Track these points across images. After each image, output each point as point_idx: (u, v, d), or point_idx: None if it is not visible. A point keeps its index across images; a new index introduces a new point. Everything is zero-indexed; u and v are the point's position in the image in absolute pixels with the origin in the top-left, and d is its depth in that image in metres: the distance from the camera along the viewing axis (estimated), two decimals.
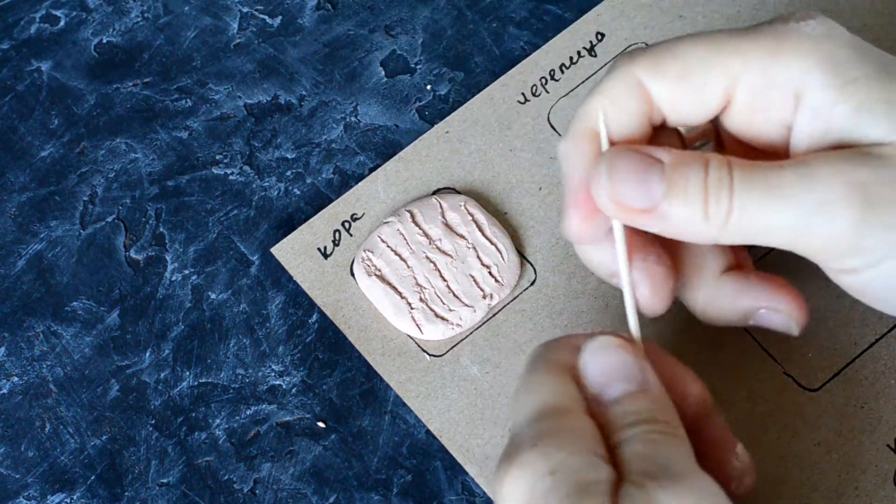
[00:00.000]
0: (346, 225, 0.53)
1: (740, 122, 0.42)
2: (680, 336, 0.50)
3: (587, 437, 0.38)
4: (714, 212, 0.39)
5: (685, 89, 0.41)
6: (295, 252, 0.53)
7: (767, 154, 0.42)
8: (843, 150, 0.39)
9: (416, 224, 0.52)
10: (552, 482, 0.36)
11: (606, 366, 0.40)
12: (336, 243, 0.53)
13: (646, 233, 0.42)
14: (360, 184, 0.54)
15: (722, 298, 0.44)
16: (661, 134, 0.43)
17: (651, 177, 0.39)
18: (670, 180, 0.39)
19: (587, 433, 0.38)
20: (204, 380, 0.51)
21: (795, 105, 0.41)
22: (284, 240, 0.53)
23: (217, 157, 0.56)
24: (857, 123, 0.39)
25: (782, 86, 0.40)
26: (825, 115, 0.40)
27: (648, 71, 0.41)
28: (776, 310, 0.44)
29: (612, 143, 0.41)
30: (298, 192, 0.55)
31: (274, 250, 0.53)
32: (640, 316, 0.42)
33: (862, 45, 0.40)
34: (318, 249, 0.53)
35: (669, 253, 0.44)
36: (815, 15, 0.41)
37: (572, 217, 0.42)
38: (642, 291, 0.43)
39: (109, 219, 0.55)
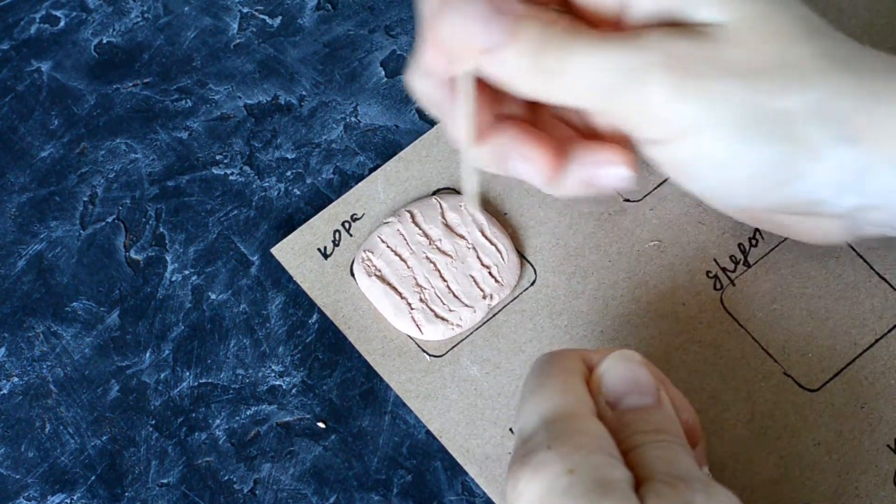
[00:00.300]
0: (346, 225, 0.53)
1: None
2: (680, 337, 0.50)
3: (602, 439, 0.38)
4: (545, 65, 0.41)
5: None
6: (295, 252, 0.53)
7: (608, 28, 0.43)
8: (667, 26, 0.41)
9: (416, 224, 0.52)
10: (571, 480, 0.36)
11: (628, 376, 0.40)
12: (336, 243, 0.53)
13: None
14: (360, 184, 0.54)
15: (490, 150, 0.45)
16: None
17: (495, 21, 0.41)
18: (514, 28, 0.41)
19: (601, 436, 0.38)
20: (204, 380, 0.51)
21: None
22: (284, 240, 0.53)
23: (217, 157, 0.56)
24: (685, 3, 0.41)
25: None
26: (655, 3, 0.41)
27: None
28: (524, 157, 0.44)
29: None
30: (298, 193, 0.55)
31: (274, 250, 0.53)
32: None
33: None
34: (318, 250, 0.53)
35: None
36: None
37: (427, 53, 0.43)
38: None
39: (109, 219, 0.55)
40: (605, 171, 0.44)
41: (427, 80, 0.44)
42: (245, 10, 0.59)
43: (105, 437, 0.50)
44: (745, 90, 0.40)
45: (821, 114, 0.41)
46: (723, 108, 0.40)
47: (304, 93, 0.57)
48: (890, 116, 0.41)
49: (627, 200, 0.53)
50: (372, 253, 0.52)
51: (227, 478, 0.49)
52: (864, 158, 0.41)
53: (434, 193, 0.54)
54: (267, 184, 0.55)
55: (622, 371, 0.41)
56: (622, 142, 0.44)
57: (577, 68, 0.41)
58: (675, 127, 0.41)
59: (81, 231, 0.54)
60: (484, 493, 0.48)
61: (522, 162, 0.44)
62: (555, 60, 0.41)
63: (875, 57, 0.42)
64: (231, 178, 0.55)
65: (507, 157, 0.44)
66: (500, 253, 0.51)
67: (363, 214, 0.53)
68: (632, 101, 0.41)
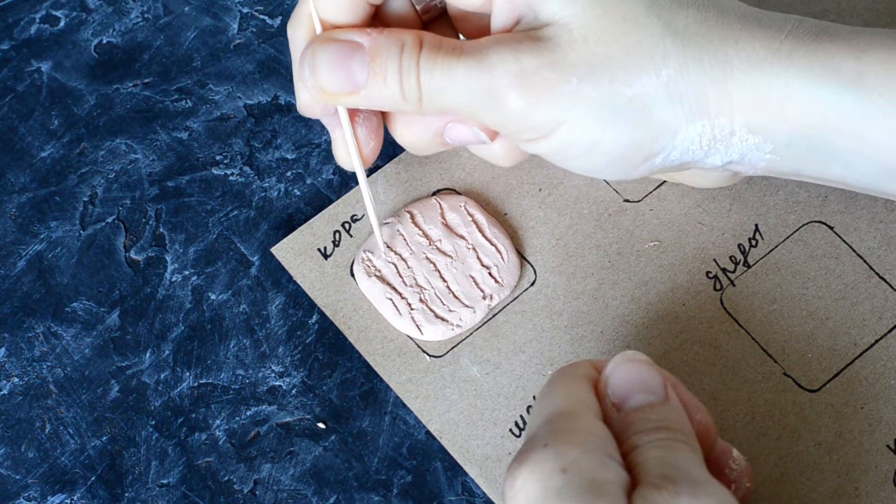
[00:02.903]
0: (346, 226, 0.53)
1: None
2: (680, 337, 0.50)
3: (600, 439, 0.38)
4: (408, 93, 0.44)
5: None
6: (295, 252, 0.53)
7: (478, 29, 0.46)
8: (516, 35, 0.43)
9: (416, 225, 0.52)
10: (565, 479, 0.36)
11: (633, 375, 0.41)
12: (336, 244, 0.53)
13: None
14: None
15: (413, 119, 0.47)
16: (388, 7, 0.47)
17: (352, 64, 0.44)
18: (371, 66, 0.44)
19: (600, 436, 0.38)
20: (204, 380, 0.51)
21: None
22: (284, 240, 0.53)
23: (217, 157, 0.56)
24: (539, 4, 0.43)
25: None
26: (510, 9, 0.44)
27: None
28: (463, 122, 0.46)
29: (325, 28, 0.46)
30: (298, 193, 0.55)
31: (274, 250, 0.53)
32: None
33: None
34: (318, 250, 0.53)
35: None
36: None
37: (301, 97, 0.47)
38: (362, 139, 0.48)
39: (109, 219, 0.55)
40: (464, 130, 0.47)
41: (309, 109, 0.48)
42: (245, 10, 0.59)
43: (105, 438, 0.50)
44: (596, 85, 0.42)
45: (673, 93, 0.43)
46: (578, 105, 0.43)
47: None
48: (743, 84, 0.43)
49: (627, 201, 0.53)
50: (372, 253, 0.52)
51: (227, 478, 0.49)
52: (721, 127, 0.43)
53: (434, 194, 0.54)
54: (267, 184, 0.55)
55: (627, 371, 0.41)
56: None
57: (438, 94, 0.44)
58: (538, 129, 0.44)
59: (81, 231, 0.54)
60: (484, 494, 0.48)
61: (463, 128, 0.47)
62: (416, 89, 0.44)
63: (723, 23, 0.43)
64: (231, 178, 0.55)
65: (445, 131, 0.47)
66: (500, 253, 0.51)
67: (363, 215, 0.53)
68: (493, 114, 0.43)
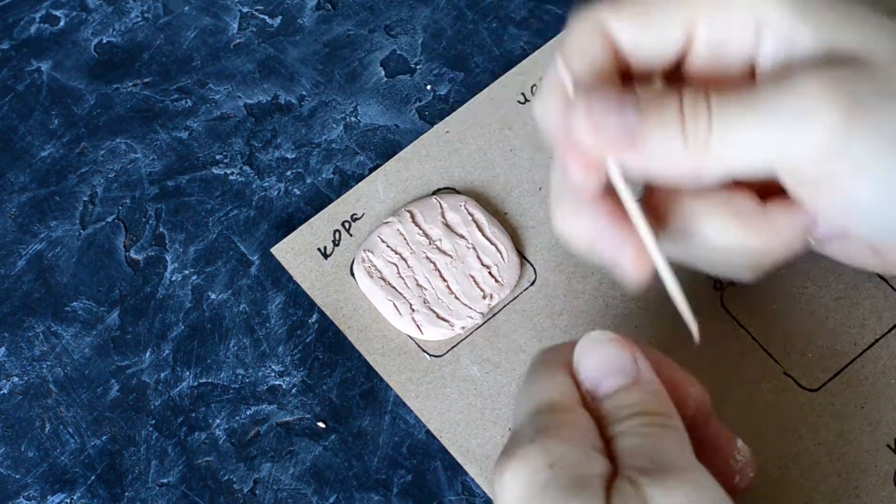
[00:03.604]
0: (346, 225, 0.53)
1: (704, 63, 0.42)
2: (680, 337, 0.50)
3: (584, 432, 0.38)
4: (692, 132, 0.38)
5: (645, 28, 0.41)
6: (295, 252, 0.53)
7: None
8: (817, 62, 0.38)
9: (416, 224, 0.52)
10: (551, 475, 0.37)
11: (600, 360, 0.40)
12: (336, 243, 0.53)
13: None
14: (360, 184, 0.54)
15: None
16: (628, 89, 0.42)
17: (626, 106, 0.39)
18: (646, 108, 0.39)
19: (584, 428, 0.39)
20: (204, 380, 0.51)
21: (757, 36, 0.40)
22: (284, 240, 0.53)
23: (217, 157, 0.56)
24: (819, 44, 0.39)
25: (741, 18, 0.40)
26: (788, 40, 0.40)
27: (609, 13, 0.41)
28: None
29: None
30: (298, 193, 0.55)
31: (274, 250, 0.53)
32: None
33: None
34: (318, 249, 0.53)
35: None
36: None
37: (572, 167, 0.40)
38: (627, 258, 0.41)
39: (109, 219, 0.55)
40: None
41: (578, 212, 0.41)
42: (245, 9, 0.59)
43: (105, 437, 0.50)
44: None
45: None
46: (892, 137, 0.38)
47: (303, 92, 0.57)
48: None
49: None
50: (372, 253, 0.52)
51: (226, 478, 0.49)
52: None
53: (434, 193, 0.54)
54: (267, 183, 0.55)
55: (594, 357, 0.40)
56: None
57: (731, 129, 0.38)
58: (848, 164, 0.38)
59: (81, 231, 0.54)
60: (484, 493, 0.48)
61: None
62: (704, 126, 0.38)
63: None
64: (231, 177, 0.55)
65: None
66: (500, 253, 0.51)
67: (363, 214, 0.53)
68: (800, 146, 0.38)
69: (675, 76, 0.42)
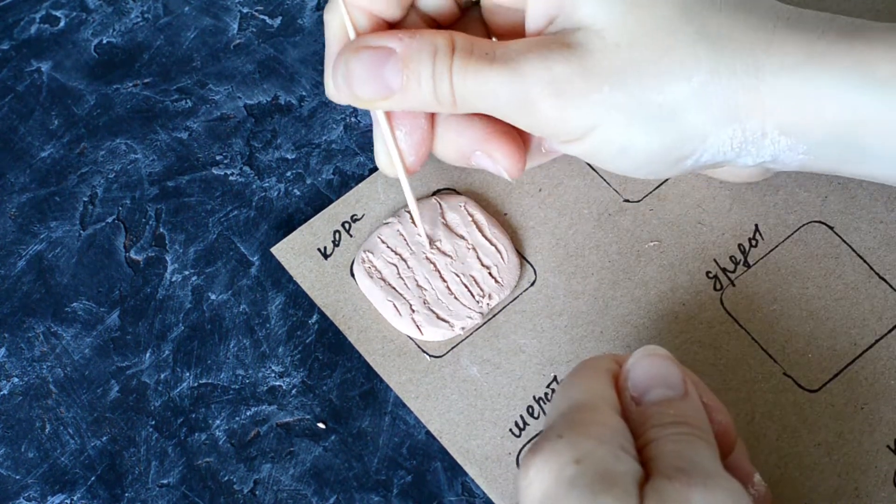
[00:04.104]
0: (346, 226, 0.53)
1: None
2: (680, 337, 0.50)
3: (616, 432, 0.39)
4: (442, 97, 0.44)
5: None
6: (295, 252, 0.53)
7: (510, 25, 0.47)
8: (546, 42, 0.43)
9: (416, 225, 0.52)
10: (578, 470, 0.37)
11: (653, 370, 0.41)
12: (336, 244, 0.53)
13: None
14: (360, 185, 0.54)
15: (446, 135, 0.48)
16: None
17: (385, 70, 0.44)
18: (404, 71, 0.44)
19: (616, 428, 0.39)
20: (204, 381, 0.51)
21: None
22: (284, 240, 0.53)
23: (217, 157, 0.56)
24: (572, 6, 0.43)
25: None
26: (544, 14, 0.45)
27: None
28: (490, 155, 0.47)
29: (357, 33, 0.46)
30: (298, 193, 0.55)
31: (274, 250, 0.53)
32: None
33: None
34: (318, 250, 0.53)
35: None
36: None
37: (329, 85, 0.46)
38: (407, 155, 0.48)
39: (109, 219, 0.55)
40: (488, 164, 0.48)
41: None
42: (245, 10, 0.59)
43: (105, 438, 0.50)
44: (627, 92, 0.43)
45: (703, 99, 0.43)
46: (609, 112, 0.43)
47: (304, 93, 0.57)
48: (774, 88, 0.42)
49: (627, 201, 0.53)
50: (372, 253, 0.52)
51: (227, 478, 0.49)
52: (753, 130, 0.43)
53: (434, 194, 0.54)
54: (267, 184, 0.55)
55: (647, 365, 0.41)
56: None
57: (471, 98, 0.44)
58: (570, 133, 0.44)
59: (81, 231, 0.54)
60: (484, 494, 0.48)
61: (488, 160, 0.47)
62: (449, 94, 0.44)
63: (756, 26, 0.43)
64: (231, 178, 0.55)
65: (472, 156, 0.47)
66: (500, 253, 0.51)
67: (363, 215, 0.53)
68: (526, 118, 0.44)
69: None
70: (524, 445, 0.48)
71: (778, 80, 0.42)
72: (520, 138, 0.48)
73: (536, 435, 0.47)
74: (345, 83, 0.45)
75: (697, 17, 0.43)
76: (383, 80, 0.44)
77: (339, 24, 0.46)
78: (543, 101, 0.43)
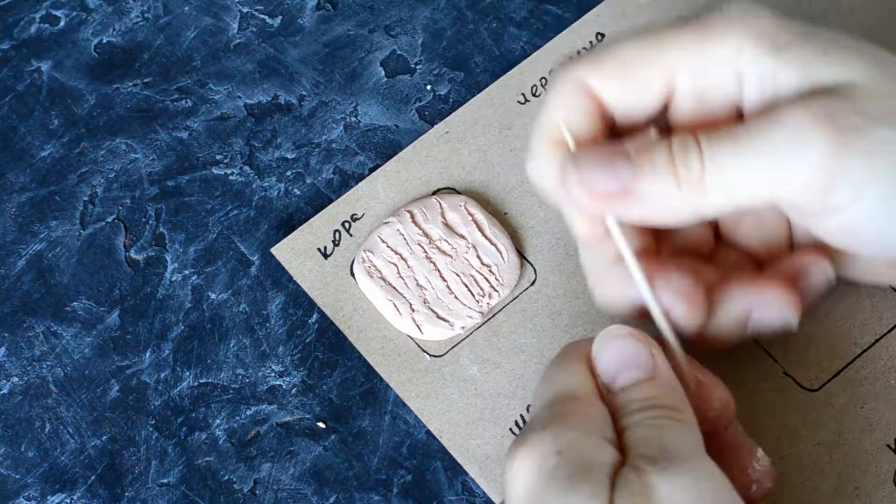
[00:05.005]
0: (346, 225, 0.53)
1: (689, 113, 0.42)
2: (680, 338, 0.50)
3: (597, 421, 0.39)
4: (685, 177, 0.39)
5: (626, 83, 0.42)
6: (295, 252, 0.53)
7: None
8: (802, 94, 0.40)
9: (417, 224, 0.52)
10: (559, 461, 0.37)
11: (618, 353, 0.41)
12: (336, 243, 0.53)
13: (659, 256, 0.44)
14: (360, 184, 0.54)
15: (722, 314, 0.44)
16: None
17: (617, 161, 0.40)
18: (637, 160, 0.40)
19: (597, 417, 0.39)
20: (204, 380, 0.51)
21: (738, 83, 0.41)
22: (284, 240, 0.53)
23: (217, 157, 0.56)
24: (802, 81, 0.40)
25: (720, 65, 0.41)
26: (770, 83, 0.40)
27: (589, 71, 0.42)
28: (767, 303, 0.44)
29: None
30: (298, 193, 0.55)
31: (274, 250, 0.53)
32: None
33: (780, 17, 0.41)
34: (318, 249, 0.53)
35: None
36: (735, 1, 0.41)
37: (575, 220, 0.43)
38: (676, 309, 0.43)
39: (109, 219, 0.55)
40: (768, 309, 0.44)
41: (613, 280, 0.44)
42: (245, 9, 0.59)
43: (105, 437, 0.50)
44: None
45: None
46: (888, 156, 0.39)
47: (304, 93, 0.57)
48: None
49: None
50: (372, 253, 0.52)
51: (227, 478, 0.49)
52: None
53: (434, 193, 0.54)
54: (267, 184, 0.55)
55: (612, 349, 0.41)
56: (784, 276, 0.44)
57: (724, 167, 0.39)
58: (846, 189, 0.39)
59: (81, 231, 0.54)
60: (484, 493, 0.48)
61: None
62: (696, 168, 0.39)
63: None
64: (231, 177, 0.55)
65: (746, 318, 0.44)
66: (501, 253, 0.51)
67: (363, 214, 0.53)
68: (794, 175, 0.39)
69: (663, 125, 0.43)
70: (515, 438, 0.48)
71: None
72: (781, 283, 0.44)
73: None
74: (575, 174, 0.41)
75: None
76: (615, 171, 0.40)
77: (550, 168, 0.42)
78: (818, 140, 0.38)
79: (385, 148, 0.55)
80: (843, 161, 0.39)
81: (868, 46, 0.41)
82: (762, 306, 0.44)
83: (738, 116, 0.42)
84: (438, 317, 0.50)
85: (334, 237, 0.53)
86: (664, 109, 0.43)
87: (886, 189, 0.39)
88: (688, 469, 0.37)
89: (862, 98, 0.39)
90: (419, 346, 0.50)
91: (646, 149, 0.40)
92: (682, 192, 0.40)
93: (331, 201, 0.54)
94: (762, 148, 0.39)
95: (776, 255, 0.46)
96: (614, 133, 0.44)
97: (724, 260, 0.46)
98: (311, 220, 0.53)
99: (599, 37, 0.57)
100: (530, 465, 0.38)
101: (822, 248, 0.45)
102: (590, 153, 0.41)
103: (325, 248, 0.53)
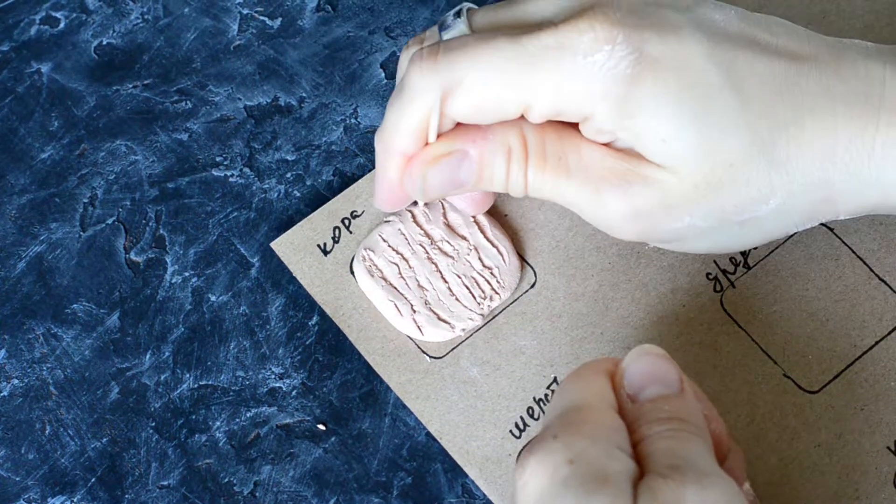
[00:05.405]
0: (346, 222, 0.53)
1: (545, 118, 0.45)
2: (680, 339, 0.50)
3: (611, 431, 0.39)
4: (515, 191, 0.46)
5: (481, 114, 0.45)
6: (295, 248, 0.53)
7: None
8: (623, 173, 0.44)
9: (418, 224, 0.52)
10: (571, 470, 0.37)
11: (649, 367, 0.41)
12: (336, 240, 0.53)
13: None
14: (360, 180, 0.54)
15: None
16: None
17: (460, 174, 0.45)
18: (479, 174, 0.45)
19: (612, 427, 0.39)
20: (204, 382, 0.51)
21: (585, 121, 0.44)
22: (284, 234, 0.53)
23: (217, 158, 0.56)
24: (638, 147, 0.44)
25: (571, 112, 0.44)
26: (610, 136, 0.44)
27: (445, 103, 0.44)
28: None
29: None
30: (298, 194, 0.55)
31: (274, 245, 0.53)
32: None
33: (640, 73, 0.43)
34: (318, 246, 0.53)
35: None
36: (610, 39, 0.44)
37: (384, 202, 0.48)
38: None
39: (109, 221, 0.55)
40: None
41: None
42: (245, 11, 0.59)
43: (105, 439, 0.50)
44: (707, 220, 0.44)
45: (784, 213, 0.45)
46: (690, 234, 0.45)
47: (303, 94, 0.57)
48: (846, 196, 0.45)
49: None
50: (373, 252, 0.52)
51: (227, 480, 0.49)
52: (828, 217, 0.46)
53: None
54: (267, 185, 0.55)
55: (643, 363, 0.41)
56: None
57: (546, 196, 0.46)
58: (652, 243, 0.48)
59: (81, 233, 0.54)
60: (484, 496, 0.48)
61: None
62: (522, 190, 0.46)
63: (819, 135, 0.44)
64: (231, 179, 0.55)
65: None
66: (502, 255, 0.51)
67: (363, 211, 0.53)
68: (606, 229, 0.46)
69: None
70: (524, 447, 0.48)
71: (848, 189, 0.44)
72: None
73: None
74: (420, 191, 0.46)
75: (767, 146, 0.43)
76: (458, 181, 0.46)
77: (394, 161, 0.46)
78: (625, 227, 0.45)
79: None
80: (649, 237, 0.46)
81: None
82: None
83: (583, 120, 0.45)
84: (439, 318, 0.50)
85: (334, 234, 0.53)
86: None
87: (692, 245, 0.47)
88: (717, 483, 0.37)
89: (674, 192, 0.44)
90: (419, 348, 0.50)
91: (487, 163, 0.45)
92: (507, 193, 0.46)
93: None
94: (578, 204, 0.45)
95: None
96: None
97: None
98: (311, 215, 0.53)
99: None
100: (542, 475, 0.37)
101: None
102: (439, 170, 0.45)
103: (325, 244, 0.53)
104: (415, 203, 0.50)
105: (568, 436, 0.38)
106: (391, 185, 0.47)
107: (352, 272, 0.52)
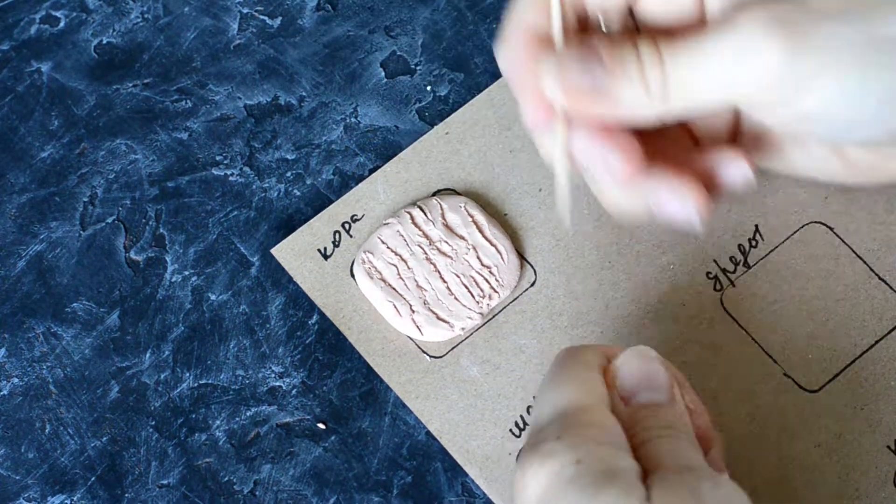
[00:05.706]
0: (346, 226, 0.53)
1: (654, 14, 0.44)
2: (681, 338, 0.50)
3: (612, 431, 0.39)
4: (652, 81, 0.42)
5: None
6: (295, 253, 0.53)
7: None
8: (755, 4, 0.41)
9: (416, 226, 0.52)
10: (578, 470, 0.37)
11: (643, 372, 0.41)
12: (336, 244, 0.53)
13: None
14: (360, 185, 0.54)
15: (628, 194, 0.45)
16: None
17: (593, 64, 0.42)
18: (609, 62, 0.42)
19: (612, 428, 0.39)
20: (204, 381, 0.51)
21: None
22: (284, 241, 0.53)
23: (217, 158, 0.56)
24: None
25: None
26: None
27: None
28: (675, 192, 0.45)
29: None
30: (298, 194, 0.55)
31: (274, 251, 0.53)
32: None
33: None
34: (318, 250, 0.53)
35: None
36: None
37: (529, 110, 0.45)
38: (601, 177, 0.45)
39: (109, 220, 0.55)
40: (731, 170, 0.45)
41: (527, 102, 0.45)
42: (245, 10, 0.59)
43: (105, 438, 0.50)
44: (854, 27, 0.41)
45: None
46: (836, 49, 0.41)
47: (303, 93, 0.57)
48: None
49: None
50: (372, 254, 0.52)
51: (227, 479, 0.49)
52: None
53: (434, 194, 0.54)
54: (267, 184, 0.55)
55: (637, 367, 0.41)
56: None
57: (685, 81, 0.42)
58: (797, 83, 0.41)
59: (81, 232, 0.54)
60: (484, 494, 0.48)
61: (671, 196, 0.45)
62: (659, 74, 0.42)
63: None
64: (231, 178, 0.55)
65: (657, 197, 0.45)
66: (500, 254, 0.51)
67: (363, 215, 0.53)
68: (749, 76, 0.41)
69: (631, 25, 0.46)
70: (525, 447, 0.48)
71: None
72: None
73: None
74: (557, 73, 0.42)
75: None
76: (592, 73, 0.42)
77: (520, 56, 0.44)
78: (770, 43, 0.40)
79: (385, 149, 0.55)
80: (794, 60, 0.41)
81: None
82: (664, 195, 0.45)
83: (700, 11, 0.44)
84: (438, 318, 0.50)
85: (334, 238, 0.53)
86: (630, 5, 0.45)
87: (833, 79, 0.41)
88: (728, 482, 0.37)
89: (809, 3, 0.41)
90: (419, 347, 0.50)
91: (617, 53, 0.42)
92: (650, 97, 0.42)
93: (331, 202, 0.54)
94: (717, 53, 0.41)
95: (716, 138, 0.47)
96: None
97: (665, 130, 0.46)
98: (311, 220, 0.53)
99: None
100: (545, 476, 0.37)
101: (764, 139, 0.47)
102: (570, 54, 0.43)
103: (325, 248, 0.53)
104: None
105: (572, 437, 0.38)
106: (530, 90, 0.44)
107: (352, 275, 0.52)
